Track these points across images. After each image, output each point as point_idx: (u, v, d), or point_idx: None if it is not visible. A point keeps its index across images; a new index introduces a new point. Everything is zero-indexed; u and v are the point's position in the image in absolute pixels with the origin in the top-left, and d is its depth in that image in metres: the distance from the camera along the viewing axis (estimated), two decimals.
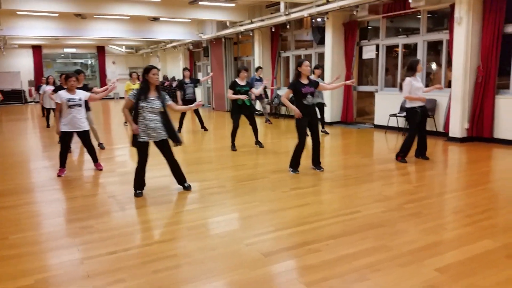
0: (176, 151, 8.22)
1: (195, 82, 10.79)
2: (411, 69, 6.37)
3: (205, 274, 3.02)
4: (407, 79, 6.33)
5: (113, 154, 8.21)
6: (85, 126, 6.19)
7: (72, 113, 6.00)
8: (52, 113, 11.61)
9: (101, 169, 6.51)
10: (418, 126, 6.47)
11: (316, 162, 6.15)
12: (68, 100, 5.98)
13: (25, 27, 14.96)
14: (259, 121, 8.17)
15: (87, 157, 7.76)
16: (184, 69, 10.81)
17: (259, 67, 12.04)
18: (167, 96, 5.00)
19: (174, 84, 22.62)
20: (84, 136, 6.26)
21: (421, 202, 4.55)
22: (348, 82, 6.48)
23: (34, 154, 8.36)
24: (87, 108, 7.47)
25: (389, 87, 10.73)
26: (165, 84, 24.08)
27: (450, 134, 8.44)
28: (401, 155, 6.58)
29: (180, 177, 5.27)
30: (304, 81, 5.75)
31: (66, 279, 3.00)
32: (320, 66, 8.99)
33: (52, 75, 13.89)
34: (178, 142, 5.06)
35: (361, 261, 3.12)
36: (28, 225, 4.15)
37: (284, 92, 5.94)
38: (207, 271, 3.05)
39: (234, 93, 7.76)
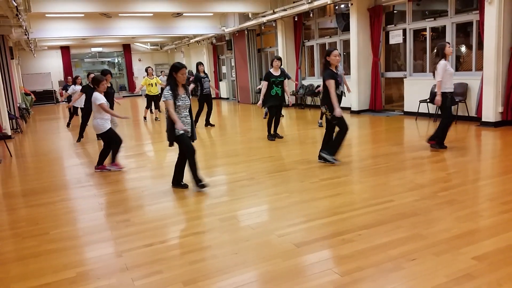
0: (204, 145, 8.37)
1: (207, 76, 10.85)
2: (439, 54, 6.19)
3: (239, 264, 3.06)
4: (443, 62, 6.11)
5: (143, 150, 8.38)
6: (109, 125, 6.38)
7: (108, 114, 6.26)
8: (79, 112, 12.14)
9: (97, 170, 6.38)
10: (451, 111, 6.31)
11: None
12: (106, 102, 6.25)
13: (53, 29, 15.40)
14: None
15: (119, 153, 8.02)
16: (199, 63, 10.74)
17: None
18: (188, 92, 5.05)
19: None
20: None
21: (455, 189, 4.45)
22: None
23: (67, 152, 8.64)
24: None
25: (418, 72, 10.47)
26: (191, 79, 24.26)
27: (483, 119, 8.18)
28: (436, 140, 6.41)
29: (182, 174, 5.21)
30: (336, 70, 5.71)
31: (106, 271, 3.10)
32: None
33: (80, 74, 14.29)
34: (194, 138, 5.04)
35: (395, 250, 3.08)
36: (66, 220, 4.31)
37: (329, 85, 5.60)
38: (240, 262, 3.10)
39: (269, 84, 7.73)
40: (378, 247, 3.16)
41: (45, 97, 23.81)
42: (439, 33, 10.11)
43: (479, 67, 8.66)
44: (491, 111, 8.03)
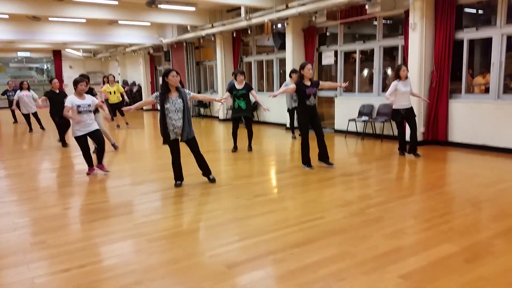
0: (136, 158, 8.03)
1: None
2: (395, 74, 7.15)
3: None
4: (393, 82, 7.14)
5: (76, 161, 7.84)
6: (94, 126, 6.31)
7: (82, 118, 6.15)
8: (31, 118, 12.38)
9: (106, 172, 6.51)
10: (402, 124, 7.33)
11: (324, 157, 6.52)
12: (78, 106, 6.09)
13: None
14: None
15: (46, 165, 7.47)
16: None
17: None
18: (187, 91, 5.37)
19: (135, 89, 22.16)
20: (96, 135, 6.40)
21: (381, 206, 4.62)
22: (343, 85, 6.85)
23: None
24: (95, 111, 7.22)
25: (348, 92, 10.94)
26: (125, 88, 23.51)
27: (407, 138, 8.67)
28: (400, 150, 7.52)
29: (205, 170, 5.67)
30: (307, 82, 6.24)
31: None
32: (297, 71, 9.18)
33: (4, 80, 13.50)
34: (189, 137, 5.37)
35: (326, 270, 3.09)
36: None
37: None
38: (168, 287, 2.93)
39: (232, 97, 8.00)
40: (309, 267, 3.16)
41: None
42: (368, 56, 10.68)
43: None
44: None
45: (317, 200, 4.97)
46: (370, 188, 5.51)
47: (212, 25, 13.64)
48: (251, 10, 11.84)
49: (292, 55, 11.40)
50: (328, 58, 11.21)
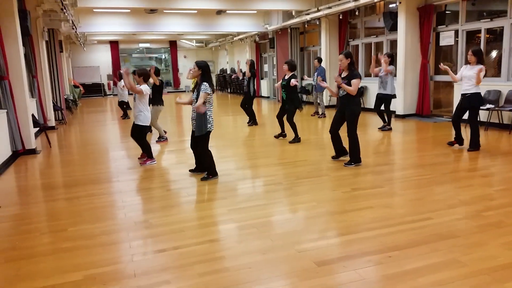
0: (236, 144, 8.17)
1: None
2: None
3: (250, 282, 2.81)
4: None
5: (184, 146, 8.29)
6: (135, 120, 6.34)
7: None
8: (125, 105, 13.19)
9: (142, 164, 6.45)
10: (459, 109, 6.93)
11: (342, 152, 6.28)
12: None
13: (100, 24, 15.80)
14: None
15: (162, 148, 8.05)
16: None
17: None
18: (203, 87, 5.12)
19: (240, 76, 22.82)
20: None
21: (503, 209, 3.97)
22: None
23: (109, 145, 8.72)
24: (153, 102, 7.62)
25: None
26: (232, 76, 24.38)
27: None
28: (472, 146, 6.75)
29: (200, 167, 5.64)
30: (343, 74, 5.90)
31: (113, 277, 2.97)
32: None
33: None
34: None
35: (427, 279, 2.72)
36: (87, 217, 4.24)
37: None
38: (253, 279, 2.85)
39: None
40: (409, 273, 2.81)
41: (93, 89, 24.69)
42: (496, 35, 9.33)
43: None
44: None
45: (425, 198, 4.46)
46: (491, 187, 4.79)
47: (318, 8, 13.24)
48: None
49: (404, 36, 10.52)
50: (447, 39, 10.09)
